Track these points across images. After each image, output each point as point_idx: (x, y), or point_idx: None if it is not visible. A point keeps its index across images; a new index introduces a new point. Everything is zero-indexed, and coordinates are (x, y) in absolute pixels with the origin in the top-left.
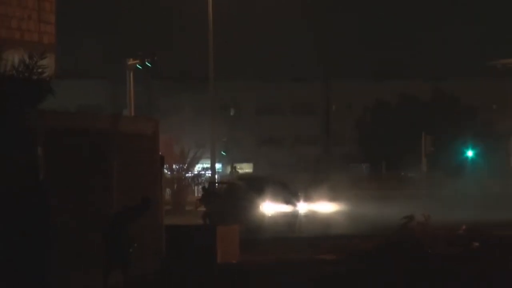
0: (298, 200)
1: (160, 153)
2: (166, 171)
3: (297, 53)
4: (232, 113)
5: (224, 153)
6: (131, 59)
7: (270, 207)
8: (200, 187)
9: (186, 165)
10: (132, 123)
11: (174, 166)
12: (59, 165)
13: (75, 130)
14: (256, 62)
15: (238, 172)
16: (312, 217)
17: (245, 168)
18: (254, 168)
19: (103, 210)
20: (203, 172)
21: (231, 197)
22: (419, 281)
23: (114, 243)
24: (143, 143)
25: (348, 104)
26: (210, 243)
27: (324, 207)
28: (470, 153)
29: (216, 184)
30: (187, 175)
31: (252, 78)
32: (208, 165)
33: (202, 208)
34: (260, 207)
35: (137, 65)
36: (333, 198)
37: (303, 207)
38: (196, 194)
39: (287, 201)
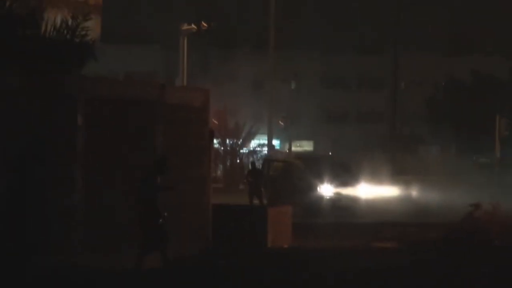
0: (359, 183)
1: (210, 126)
2: (219, 146)
3: (364, 24)
4: (293, 86)
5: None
6: (186, 24)
7: (328, 190)
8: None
9: (241, 140)
10: (179, 93)
11: (227, 141)
12: (98, 136)
13: (117, 99)
14: (320, 32)
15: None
16: (373, 202)
17: (305, 146)
18: (315, 146)
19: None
20: (259, 149)
21: (287, 176)
22: (486, 274)
23: (142, 215)
24: (191, 115)
25: (418, 80)
26: (260, 226)
27: (388, 191)
28: None
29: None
30: (241, 151)
31: (315, 49)
32: (265, 142)
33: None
34: (318, 189)
35: (192, 25)
36: (397, 182)
37: (364, 191)
38: None
39: (347, 184)
